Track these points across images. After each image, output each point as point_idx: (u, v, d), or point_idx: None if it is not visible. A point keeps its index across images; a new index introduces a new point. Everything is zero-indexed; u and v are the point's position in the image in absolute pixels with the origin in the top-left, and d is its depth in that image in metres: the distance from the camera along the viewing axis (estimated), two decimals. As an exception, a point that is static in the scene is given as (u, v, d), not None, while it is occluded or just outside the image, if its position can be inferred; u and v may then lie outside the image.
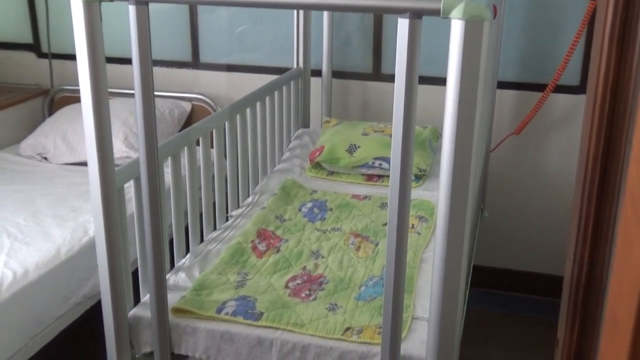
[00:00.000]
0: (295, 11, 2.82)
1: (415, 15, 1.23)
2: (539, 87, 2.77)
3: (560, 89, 2.74)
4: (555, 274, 3.05)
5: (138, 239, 1.76)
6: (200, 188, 2.11)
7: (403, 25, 1.23)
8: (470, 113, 1.22)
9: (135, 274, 1.79)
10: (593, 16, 2.63)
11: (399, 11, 1.23)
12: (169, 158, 1.87)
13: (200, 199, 2.11)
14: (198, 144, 2.09)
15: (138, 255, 1.77)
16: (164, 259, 1.62)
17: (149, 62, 1.40)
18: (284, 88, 2.70)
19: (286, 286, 1.79)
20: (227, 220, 2.26)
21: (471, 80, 1.20)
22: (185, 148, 1.96)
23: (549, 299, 3.08)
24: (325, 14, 2.84)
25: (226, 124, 2.19)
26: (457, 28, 1.18)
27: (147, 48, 1.39)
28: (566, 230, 2.96)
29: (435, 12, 1.21)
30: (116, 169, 1.57)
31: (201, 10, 3.12)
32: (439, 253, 1.31)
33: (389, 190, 1.32)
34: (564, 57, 2.63)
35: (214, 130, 2.12)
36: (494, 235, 3.04)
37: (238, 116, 2.27)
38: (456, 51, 1.19)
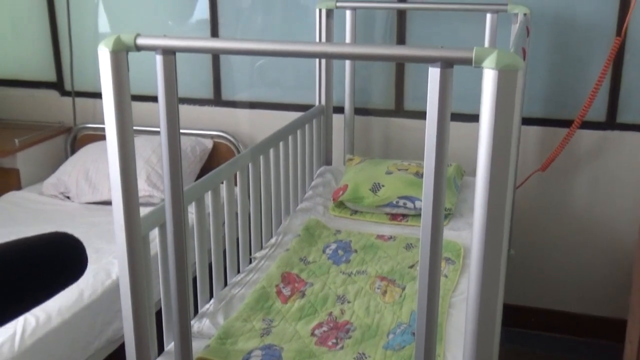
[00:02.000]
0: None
1: (447, 64, 1.21)
2: (565, 123, 2.73)
3: (587, 124, 2.71)
4: (583, 312, 2.99)
5: (162, 285, 1.73)
6: (223, 229, 2.09)
7: (434, 74, 1.21)
8: (504, 166, 1.19)
9: (158, 315, 1.76)
10: (619, 52, 2.61)
11: (430, 60, 1.21)
12: (194, 202, 1.86)
13: (224, 240, 2.09)
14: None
15: (162, 303, 1.74)
16: (188, 307, 1.59)
17: (176, 112, 1.38)
18: (307, 126, 2.69)
19: (312, 334, 1.75)
20: (250, 262, 2.23)
21: (505, 131, 1.17)
22: (210, 191, 1.94)
23: (576, 338, 3.01)
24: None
25: (250, 165, 2.17)
26: (489, 78, 1.15)
27: (174, 97, 1.38)
28: (594, 268, 2.92)
29: (467, 62, 1.19)
30: (141, 215, 1.56)
31: (223, 58, 3.13)
32: (473, 300, 1.25)
33: (420, 239, 1.29)
34: (590, 93, 2.60)
35: (237, 172, 2.10)
36: (520, 273, 2.98)
37: (261, 157, 2.25)
38: (489, 101, 1.16)
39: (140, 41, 1.35)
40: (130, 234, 1.50)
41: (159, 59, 1.36)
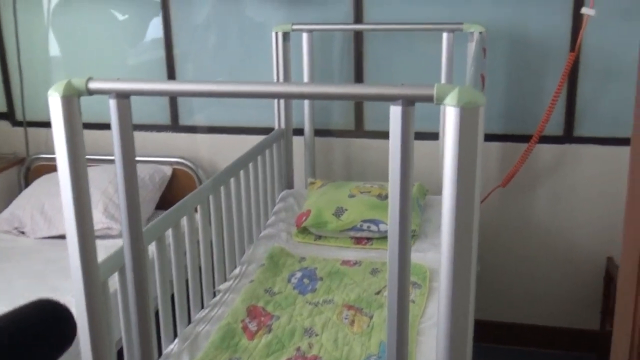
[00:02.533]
0: (275, 73, 2.79)
1: (408, 102, 1.19)
2: (524, 138, 2.76)
3: (545, 139, 2.73)
4: (549, 325, 3.01)
5: (124, 330, 1.68)
6: (185, 260, 2.04)
7: (395, 112, 1.19)
8: (469, 204, 1.17)
9: (120, 353, 1.70)
10: (573, 67, 2.64)
11: (391, 99, 1.19)
12: (154, 242, 1.80)
13: (186, 274, 2.04)
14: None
15: (124, 347, 1.69)
16: (152, 352, 1.54)
17: (133, 158, 1.34)
18: (267, 151, 2.65)
19: (281, 371, 1.72)
20: (214, 295, 2.18)
21: (469, 168, 1.16)
22: (170, 228, 1.89)
23: (545, 351, 3.03)
24: (306, 73, 2.81)
25: (210, 197, 2.13)
26: (451, 115, 1.14)
27: (131, 142, 1.34)
28: (559, 281, 2.94)
29: (428, 99, 1.18)
30: (99, 261, 1.50)
31: (180, 72, 3.08)
32: (443, 323, 1.22)
33: (388, 274, 1.26)
34: (547, 108, 2.63)
35: (198, 206, 2.06)
36: (486, 288, 2.99)
37: (222, 188, 2.21)
38: (452, 138, 1.15)
39: (93, 85, 1.31)
40: (88, 281, 1.45)
41: (112, 103, 1.31)
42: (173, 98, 3.11)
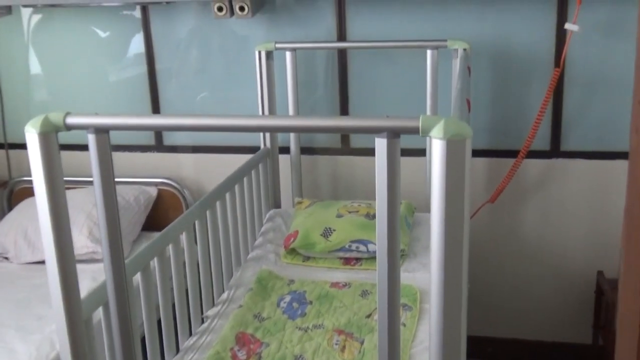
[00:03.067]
0: (259, 92, 2.76)
1: (393, 134, 1.17)
2: (511, 154, 2.74)
3: (532, 154, 2.72)
4: (540, 339, 3.00)
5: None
6: (171, 285, 2.00)
7: (381, 145, 1.18)
8: (458, 235, 1.15)
9: None
10: (559, 82, 2.64)
11: (376, 131, 1.18)
12: (139, 272, 1.77)
13: (173, 301, 2.00)
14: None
15: (110, 381, 1.65)
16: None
17: (113, 194, 1.31)
18: (253, 172, 2.63)
19: (271, 402, 1.69)
20: (202, 322, 2.15)
21: (457, 202, 1.14)
22: (156, 257, 1.86)
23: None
24: (290, 89, 2.79)
25: (196, 222, 2.10)
26: (437, 148, 1.12)
27: (111, 178, 1.31)
28: (549, 296, 2.93)
29: (414, 131, 1.16)
30: (83, 295, 1.47)
31: (162, 88, 3.05)
32: (435, 346, 1.20)
33: (377, 298, 1.24)
34: (533, 123, 2.62)
35: (184, 232, 2.03)
36: (475, 304, 2.97)
37: (208, 212, 2.18)
38: (438, 171, 1.13)
39: (70, 120, 1.28)
40: (71, 319, 1.42)
41: (91, 138, 1.29)
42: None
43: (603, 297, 2.73)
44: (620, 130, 2.67)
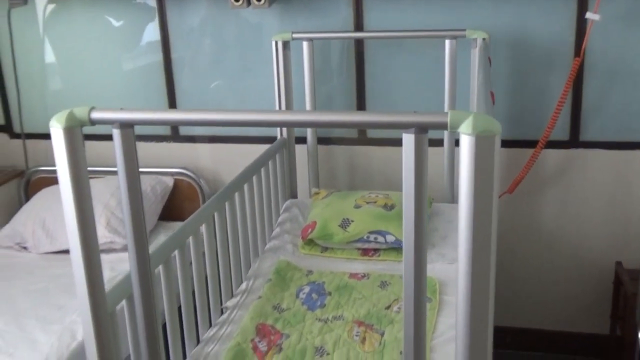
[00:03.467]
0: (275, 82, 2.75)
1: (421, 130, 1.16)
2: (529, 144, 2.72)
3: (551, 144, 2.70)
4: (558, 329, 2.99)
5: (133, 355, 1.65)
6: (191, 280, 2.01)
7: (408, 140, 1.17)
8: (486, 232, 1.15)
9: None
10: (579, 71, 2.61)
11: (404, 126, 1.16)
12: (161, 265, 1.78)
13: (193, 293, 2.01)
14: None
15: (133, 373, 1.66)
16: (162, 380, 1.52)
17: (138, 189, 1.31)
18: (270, 162, 2.62)
19: (293, 395, 1.69)
20: (222, 312, 2.16)
21: (486, 198, 1.13)
22: (177, 250, 1.86)
23: (554, 355, 3.01)
24: (307, 79, 2.78)
25: (215, 215, 2.10)
26: (466, 143, 1.11)
27: (136, 173, 1.31)
28: (567, 286, 2.91)
29: (442, 126, 1.15)
30: (106, 290, 1.47)
31: (177, 76, 3.04)
32: (462, 341, 1.20)
33: (403, 294, 1.23)
34: (553, 113, 2.60)
35: (204, 224, 2.03)
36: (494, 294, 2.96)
37: (227, 204, 2.18)
38: (466, 168, 1.12)
39: (95, 115, 1.27)
40: (96, 312, 1.42)
41: (116, 133, 1.28)
42: (173, 107, 3.07)
43: (621, 287, 2.71)
44: (640, 120, 2.65)
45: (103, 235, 2.70)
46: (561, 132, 2.72)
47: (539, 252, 2.91)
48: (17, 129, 3.29)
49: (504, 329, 3.02)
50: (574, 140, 2.74)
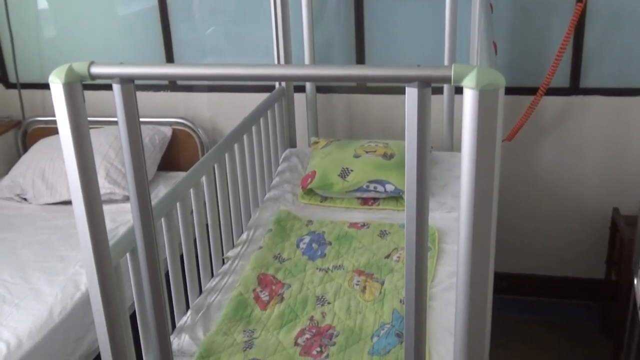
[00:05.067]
0: (274, 29, 2.71)
1: (424, 84, 1.15)
2: (529, 91, 2.71)
3: (551, 91, 2.68)
4: (556, 274, 3.04)
5: (137, 306, 1.68)
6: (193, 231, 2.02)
7: (411, 94, 1.16)
8: (488, 188, 1.15)
9: (132, 318, 1.69)
10: (580, 18, 2.57)
11: (407, 80, 1.15)
12: (163, 218, 1.78)
13: (195, 244, 2.03)
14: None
15: (139, 322, 1.69)
16: (168, 328, 1.54)
17: (139, 143, 1.31)
18: (268, 112, 2.61)
19: (296, 343, 1.72)
20: (223, 263, 2.18)
21: (488, 152, 1.13)
22: (178, 202, 1.87)
23: (552, 300, 3.06)
24: (305, 27, 2.74)
25: (215, 166, 2.10)
26: (469, 97, 1.10)
27: (137, 127, 1.30)
28: (565, 232, 2.94)
29: (445, 80, 1.14)
30: (110, 243, 1.48)
31: (174, 22, 3.00)
32: (463, 287, 1.22)
33: (405, 245, 1.25)
34: (553, 60, 2.57)
35: (204, 176, 2.03)
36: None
37: (227, 155, 2.18)
38: (470, 121, 1.12)
39: (95, 70, 1.26)
40: (101, 266, 1.43)
41: (116, 88, 1.27)
42: (170, 57, 3.04)
43: (617, 233, 2.74)
44: (641, 66, 2.63)
45: (103, 186, 2.70)
46: (561, 79, 2.70)
47: (536, 199, 2.92)
48: (12, 78, 3.25)
49: (501, 274, 3.05)
50: (574, 87, 2.72)
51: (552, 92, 2.71)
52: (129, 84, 1.27)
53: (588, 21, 2.62)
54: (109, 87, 1.28)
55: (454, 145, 2.79)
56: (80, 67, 1.26)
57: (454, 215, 2.32)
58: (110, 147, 2.83)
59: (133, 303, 1.71)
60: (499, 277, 3.05)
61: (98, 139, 2.87)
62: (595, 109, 2.73)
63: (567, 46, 2.58)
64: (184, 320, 1.87)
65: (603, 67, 2.68)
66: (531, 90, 2.69)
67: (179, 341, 1.77)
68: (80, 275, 2.22)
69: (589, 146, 2.79)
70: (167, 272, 1.86)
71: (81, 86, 1.28)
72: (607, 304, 2.90)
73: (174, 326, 1.85)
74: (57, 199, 2.78)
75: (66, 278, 2.21)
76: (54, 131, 2.98)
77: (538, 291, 3.07)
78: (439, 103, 2.72)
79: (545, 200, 2.92)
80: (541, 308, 3.05)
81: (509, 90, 2.77)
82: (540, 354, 2.77)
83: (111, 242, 1.55)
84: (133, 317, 1.70)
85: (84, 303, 2.11)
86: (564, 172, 2.86)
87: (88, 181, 1.31)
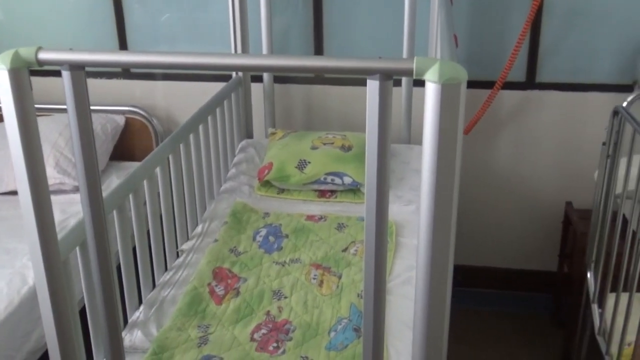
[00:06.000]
0: (231, 18, 2.66)
1: (386, 76, 1.13)
2: (486, 85, 2.72)
3: (507, 85, 2.70)
4: (508, 267, 3.07)
5: (87, 302, 1.62)
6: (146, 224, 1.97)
7: (373, 87, 1.13)
8: (449, 183, 1.14)
9: (82, 314, 1.64)
10: (537, 14, 2.59)
11: (369, 72, 1.13)
12: (115, 210, 1.73)
13: (148, 236, 1.97)
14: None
15: (89, 319, 1.64)
16: (119, 325, 1.49)
17: (90, 132, 1.25)
18: (225, 102, 2.56)
19: (252, 338, 1.69)
20: (178, 256, 2.13)
21: (450, 146, 1.12)
22: (131, 194, 1.81)
23: (505, 292, 3.10)
24: (263, 16, 2.69)
25: (170, 157, 2.05)
26: (431, 91, 1.09)
27: (87, 116, 1.24)
28: (521, 225, 2.97)
29: (407, 73, 1.12)
30: (59, 236, 1.43)
31: (127, 11, 2.91)
32: (422, 280, 1.21)
33: (365, 239, 1.23)
34: (510, 54, 2.59)
35: (158, 167, 1.98)
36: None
37: (181, 145, 2.13)
38: (431, 115, 1.10)
39: (43, 56, 1.20)
40: (49, 261, 1.38)
41: (66, 75, 1.21)
42: (123, 43, 2.96)
43: (570, 226, 2.78)
44: (595, 62, 2.66)
45: (52, 176, 2.62)
46: (518, 73, 2.72)
47: (492, 192, 2.95)
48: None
49: (457, 267, 3.07)
50: (530, 82, 2.75)
51: (509, 86, 2.72)
52: (79, 71, 1.22)
53: (544, 16, 2.64)
54: (59, 73, 1.22)
55: (411, 138, 2.79)
56: (27, 52, 1.20)
57: (411, 209, 2.32)
58: (60, 135, 2.74)
59: (83, 298, 1.65)
60: (455, 270, 3.07)
61: (47, 126, 2.77)
62: (551, 103, 2.76)
63: (524, 41, 2.59)
64: (136, 315, 1.82)
65: (558, 62, 2.70)
66: (488, 84, 2.70)
67: (132, 337, 1.72)
68: (27, 269, 2.14)
69: (544, 140, 2.82)
70: (120, 265, 1.81)
71: (28, 72, 1.22)
72: (559, 295, 2.94)
73: (126, 322, 1.80)
74: (4, 189, 2.68)
75: (13, 271, 2.13)
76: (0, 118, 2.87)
77: (493, 284, 3.10)
78: (397, 95, 2.71)
79: (501, 193, 2.94)
80: (497, 300, 3.08)
81: (467, 84, 2.77)
82: (496, 345, 2.80)
83: (60, 235, 1.49)
84: (83, 312, 1.64)
85: (32, 297, 2.04)
86: (519, 166, 2.88)
87: (35, 171, 1.25)
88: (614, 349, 1.94)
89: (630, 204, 2.00)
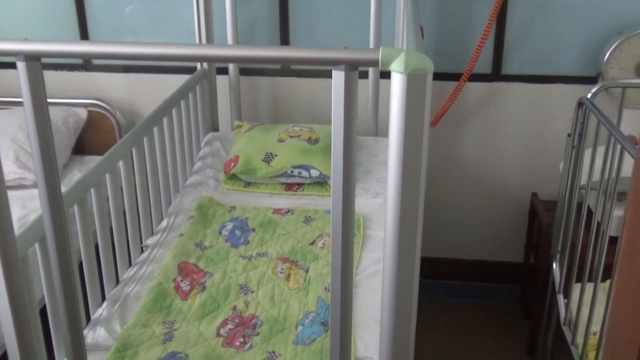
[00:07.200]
0: (195, 9, 2.62)
1: (351, 67, 1.11)
2: (453, 77, 2.72)
3: (474, 77, 2.71)
4: (475, 258, 3.08)
5: (47, 298, 1.58)
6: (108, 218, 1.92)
7: (338, 78, 1.12)
8: (415, 175, 1.13)
9: (43, 313, 1.60)
10: (503, 5, 2.60)
11: (334, 63, 1.11)
12: (76, 205, 1.68)
13: (111, 231, 1.93)
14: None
15: (49, 317, 1.60)
16: (80, 322, 1.46)
17: (47, 126, 1.21)
18: (190, 94, 2.52)
19: (218, 334, 1.67)
20: (142, 251, 2.09)
21: (416, 138, 1.10)
22: (93, 188, 1.77)
23: (473, 283, 3.11)
24: (228, 6, 2.66)
25: (133, 150, 2.00)
26: (397, 82, 1.07)
27: (44, 109, 1.20)
28: (488, 217, 2.98)
29: (373, 64, 1.10)
30: (16, 234, 1.38)
31: (89, 3, 2.84)
32: (390, 273, 1.20)
33: (331, 232, 1.21)
34: (476, 46, 2.59)
35: (121, 161, 1.93)
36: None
37: (145, 138, 2.09)
38: (397, 106, 1.09)
39: (-3, 46, 1.15)
40: (6, 259, 1.33)
41: (21, 66, 1.17)
42: (84, 35, 2.89)
43: (536, 218, 2.80)
44: (560, 54, 2.68)
45: (12, 170, 2.55)
46: (484, 65, 2.73)
47: (458, 184, 2.96)
48: None
49: (424, 259, 3.08)
50: (496, 74, 2.76)
51: (475, 78, 2.73)
52: (35, 61, 1.18)
53: (510, 9, 2.64)
54: (15, 66, 1.17)
55: (378, 131, 2.78)
56: (-21, 42, 1.15)
57: (378, 201, 2.31)
58: (20, 129, 2.67)
59: (43, 297, 1.61)
60: (422, 262, 3.08)
61: (6, 120, 2.70)
62: (517, 95, 2.77)
63: (490, 33, 2.60)
64: (99, 312, 1.78)
65: (524, 54, 2.72)
66: (455, 76, 2.70)
67: (94, 335, 1.68)
68: (-14, 266, 2.08)
69: (510, 132, 2.84)
70: (82, 262, 1.77)
71: (-19, 63, 1.17)
72: (525, 286, 2.97)
73: (88, 319, 1.76)
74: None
75: (-29, 269, 2.06)
76: (-42, 112, 2.80)
77: (460, 275, 3.11)
78: (364, 87, 2.70)
79: (467, 185, 2.96)
80: (464, 291, 3.09)
81: (434, 76, 2.77)
82: (464, 336, 2.82)
83: (19, 231, 1.45)
84: (44, 311, 1.60)
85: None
86: (486, 157, 2.89)
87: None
88: (580, 339, 1.95)
89: (594, 195, 2.01)
